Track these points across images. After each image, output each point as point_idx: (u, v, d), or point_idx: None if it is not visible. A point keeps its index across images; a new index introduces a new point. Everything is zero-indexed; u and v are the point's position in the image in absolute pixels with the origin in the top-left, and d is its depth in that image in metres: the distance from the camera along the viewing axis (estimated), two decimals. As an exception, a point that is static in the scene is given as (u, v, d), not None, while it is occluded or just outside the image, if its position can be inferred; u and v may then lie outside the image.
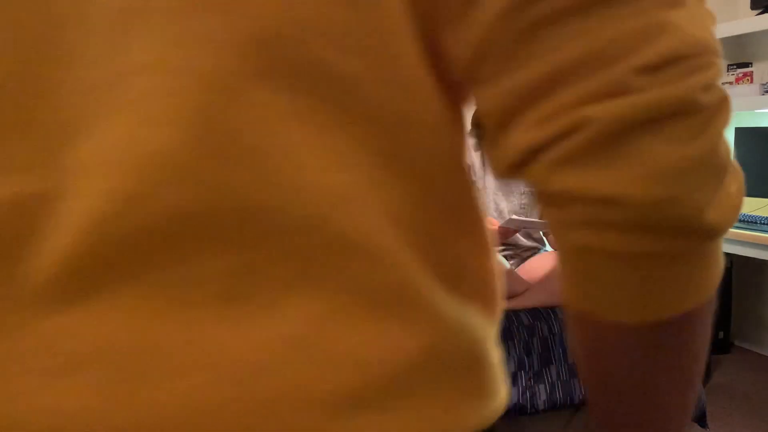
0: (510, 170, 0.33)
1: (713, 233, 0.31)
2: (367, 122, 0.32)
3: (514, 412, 1.72)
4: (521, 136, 0.31)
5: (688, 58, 0.30)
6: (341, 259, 0.32)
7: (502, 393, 0.38)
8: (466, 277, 0.35)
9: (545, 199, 0.33)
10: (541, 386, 1.74)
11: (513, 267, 1.98)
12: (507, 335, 1.73)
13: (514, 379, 1.72)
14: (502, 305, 0.40)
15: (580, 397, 1.77)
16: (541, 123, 0.30)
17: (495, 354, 0.39)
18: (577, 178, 0.30)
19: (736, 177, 0.33)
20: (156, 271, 0.31)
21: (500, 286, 0.40)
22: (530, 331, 1.76)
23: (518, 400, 1.72)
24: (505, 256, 2.06)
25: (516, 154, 0.32)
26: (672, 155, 0.29)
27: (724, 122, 0.31)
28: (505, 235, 1.86)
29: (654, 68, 0.29)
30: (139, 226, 0.30)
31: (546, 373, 1.75)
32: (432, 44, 0.33)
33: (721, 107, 0.31)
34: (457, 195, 0.36)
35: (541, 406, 1.73)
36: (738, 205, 0.32)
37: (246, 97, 0.30)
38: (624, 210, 0.30)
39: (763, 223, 3.06)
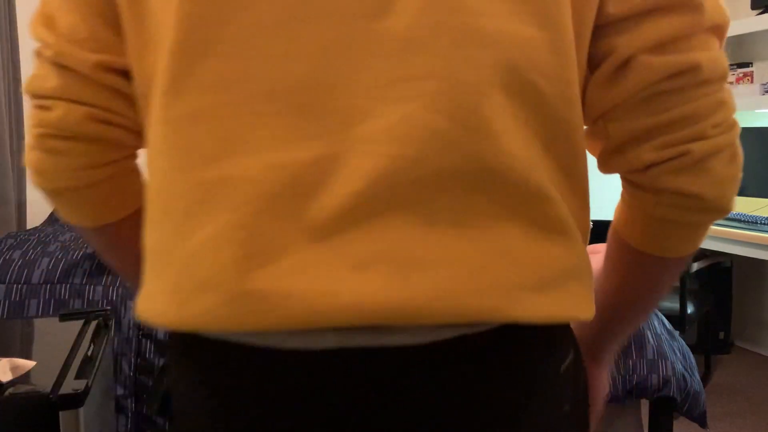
0: (627, 171, 0.56)
1: (728, 212, 0.55)
2: (546, 121, 0.51)
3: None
4: (646, 155, 0.53)
5: (730, 120, 0.54)
6: (533, 203, 0.50)
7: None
8: (580, 223, 0.55)
9: (648, 191, 0.55)
10: (542, 386, 1.74)
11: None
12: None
13: (515, 379, 1.72)
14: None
15: (581, 398, 1.77)
16: (659, 149, 0.52)
17: None
18: (679, 181, 0.53)
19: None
20: (417, 206, 0.47)
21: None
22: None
23: (518, 400, 1.72)
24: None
25: (640, 163, 0.54)
26: (726, 172, 0.53)
27: (741, 149, 0.55)
28: None
29: (718, 125, 0.52)
30: (410, 178, 0.47)
31: (546, 373, 1.76)
32: (584, 89, 0.55)
33: (738, 141, 0.55)
34: (581, 172, 0.55)
35: (541, 407, 1.73)
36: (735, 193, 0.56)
37: (493, 98, 0.48)
38: (701, 201, 0.53)
39: (763, 223, 3.06)
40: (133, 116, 0.57)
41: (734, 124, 0.54)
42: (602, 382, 0.72)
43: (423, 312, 0.46)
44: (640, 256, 0.60)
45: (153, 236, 0.53)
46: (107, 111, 0.56)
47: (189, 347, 0.53)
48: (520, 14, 0.48)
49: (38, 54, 0.57)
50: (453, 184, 0.48)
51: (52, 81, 0.55)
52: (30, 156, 0.59)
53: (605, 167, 0.59)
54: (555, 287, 0.51)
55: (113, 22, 0.54)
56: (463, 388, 0.50)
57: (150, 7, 0.51)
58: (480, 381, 0.50)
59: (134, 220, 0.63)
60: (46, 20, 0.56)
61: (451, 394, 0.49)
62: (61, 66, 0.55)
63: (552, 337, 0.54)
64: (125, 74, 0.56)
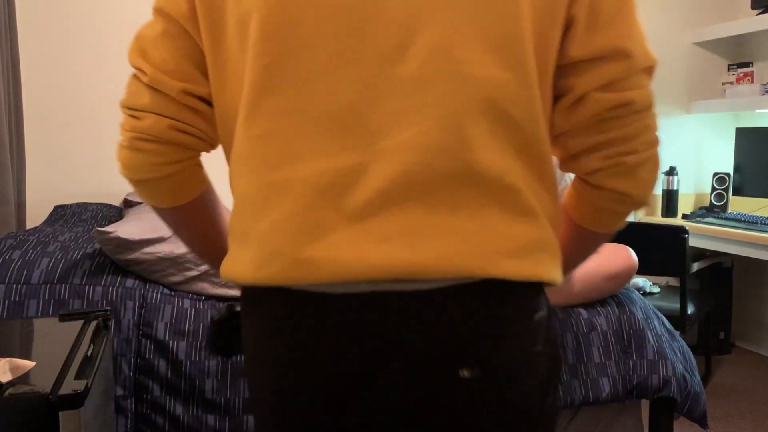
0: (579, 173, 0.78)
1: (646, 205, 0.80)
2: (516, 136, 0.70)
3: (515, 412, 1.72)
4: (593, 163, 0.75)
5: (653, 138, 0.76)
6: (508, 194, 0.69)
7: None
8: (546, 209, 0.73)
9: (592, 187, 0.77)
10: (542, 387, 1.74)
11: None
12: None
13: (515, 379, 1.72)
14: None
15: (581, 398, 1.77)
16: (603, 159, 0.74)
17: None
18: (615, 183, 0.75)
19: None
20: (423, 197, 0.67)
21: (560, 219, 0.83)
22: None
23: (519, 400, 1.72)
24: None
25: (589, 168, 0.75)
26: (648, 177, 0.75)
27: (659, 158, 0.77)
28: None
29: (645, 143, 0.75)
30: (418, 178, 0.67)
31: (546, 373, 1.76)
32: (549, 113, 0.75)
33: (658, 153, 0.77)
34: (547, 171, 0.73)
35: (541, 407, 1.73)
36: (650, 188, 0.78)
37: (476, 122, 0.68)
38: (629, 197, 0.76)
39: (763, 223, 3.06)
40: (204, 127, 0.79)
41: (656, 141, 0.75)
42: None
43: (426, 270, 0.67)
44: (580, 229, 0.85)
45: (236, 221, 0.74)
46: (185, 123, 0.77)
47: (260, 299, 0.73)
48: (496, 62, 0.69)
49: (135, 77, 0.77)
50: (449, 181, 0.68)
51: (145, 98, 0.76)
52: (121, 153, 0.80)
53: (564, 168, 0.80)
54: (524, 254, 0.70)
55: (198, 63, 0.76)
56: (454, 321, 0.69)
57: (230, 58, 0.73)
58: (466, 316, 0.69)
59: (198, 203, 0.86)
60: (141, 53, 0.77)
61: (445, 324, 0.68)
62: (153, 89, 0.76)
63: (525, 293, 0.72)
64: (203, 99, 0.77)
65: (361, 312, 0.69)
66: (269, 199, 0.70)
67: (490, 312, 0.69)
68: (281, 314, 0.71)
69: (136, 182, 0.82)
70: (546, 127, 0.73)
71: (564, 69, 0.73)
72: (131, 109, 0.77)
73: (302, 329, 0.70)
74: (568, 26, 0.72)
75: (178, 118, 0.76)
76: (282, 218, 0.69)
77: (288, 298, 0.70)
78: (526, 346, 0.72)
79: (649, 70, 0.73)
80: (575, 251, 0.87)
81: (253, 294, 0.74)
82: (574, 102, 0.73)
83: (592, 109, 0.72)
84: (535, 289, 0.73)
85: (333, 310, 0.69)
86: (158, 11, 0.77)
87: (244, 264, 0.71)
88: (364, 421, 0.70)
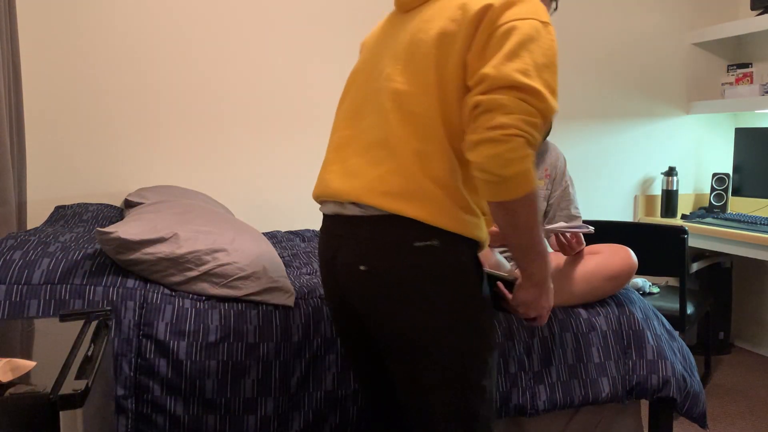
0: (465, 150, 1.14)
1: (498, 176, 1.08)
2: (419, 124, 1.19)
3: (514, 412, 1.72)
4: (466, 144, 1.13)
5: (491, 125, 1.13)
6: (400, 159, 1.18)
7: (473, 230, 1.22)
8: (432, 174, 1.18)
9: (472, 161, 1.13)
10: (541, 387, 1.74)
11: (513, 268, 1.98)
12: (507, 335, 1.73)
13: (515, 379, 1.72)
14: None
15: (580, 398, 1.77)
16: (468, 139, 1.12)
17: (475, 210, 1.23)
18: (472, 156, 1.10)
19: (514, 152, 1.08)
20: (366, 154, 1.23)
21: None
22: (530, 332, 1.76)
23: (518, 400, 1.72)
24: (506, 257, 2.06)
25: (465, 145, 1.13)
26: (489, 152, 1.07)
27: (503, 140, 1.09)
28: None
29: (490, 129, 1.11)
30: (367, 143, 1.24)
31: (546, 373, 1.76)
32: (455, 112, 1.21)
33: (499, 135, 1.09)
34: (439, 148, 1.18)
35: (541, 407, 1.73)
36: (507, 166, 1.07)
37: (393, 115, 1.21)
38: (480, 166, 1.09)
39: (763, 224, 3.06)
40: None
41: (498, 126, 1.07)
42: (527, 289, 1.25)
43: (341, 195, 1.22)
44: (489, 203, 1.15)
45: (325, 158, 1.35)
46: None
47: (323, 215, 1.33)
48: (408, 81, 1.20)
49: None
50: (376, 146, 1.21)
51: None
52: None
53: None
54: (395, 196, 1.17)
55: None
56: (360, 237, 1.21)
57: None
58: (367, 235, 1.20)
59: None
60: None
61: (357, 238, 1.21)
62: None
63: (404, 224, 1.17)
64: None
65: (329, 225, 1.29)
66: (329, 150, 1.34)
67: (380, 233, 1.19)
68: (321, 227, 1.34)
69: None
70: (445, 119, 1.17)
71: (468, 89, 1.17)
72: None
73: (320, 235, 1.34)
74: (465, 66, 1.16)
75: None
76: (326, 159, 1.33)
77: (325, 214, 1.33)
78: (401, 258, 1.17)
79: (505, 87, 1.09)
80: (500, 223, 1.16)
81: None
82: (470, 110, 1.12)
83: (465, 109, 1.14)
84: (411, 223, 1.16)
85: (324, 224, 1.32)
86: None
87: (316, 185, 1.34)
88: (334, 282, 1.30)
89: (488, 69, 1.10)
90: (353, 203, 1.21)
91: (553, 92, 1.13)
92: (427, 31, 1.19)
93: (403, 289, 1.17)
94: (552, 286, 1.28)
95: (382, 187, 1.16)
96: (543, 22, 1.15)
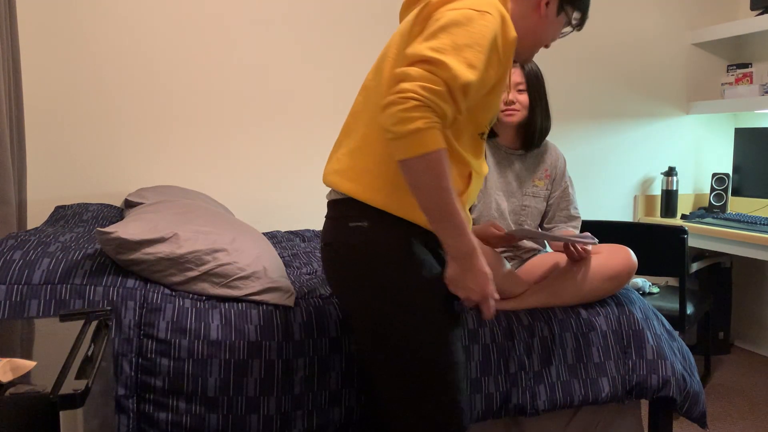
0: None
1: (395, 135, 1.17)
2: (373, 113, 1.43)
3: (514, 412, 1.72)
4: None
5: (397, 91, 1.23)
6: (361, 148, 1.38)
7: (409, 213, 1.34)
8: (370, 149, 1.41)
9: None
10: (541, 387, 1.74)
11: (513, 268, 1.98)
12: (507, 335, 1.73)
13: (515, 379, 1.72)
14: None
15: (580, 398, 1.77)
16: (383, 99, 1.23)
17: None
18: (380, 117, 1.20)
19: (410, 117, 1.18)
20: (346, 146, 1.42)
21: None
22: (530, 332, 1.76)
23: (518, 400, 1.72)
24: (506, 257, 2.06)
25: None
26: (390, 113, 1.17)
27: (403, 105, 1.18)
28: (509, 241, 1.88)
29: (396, 93, 1.20)
30: (349, 135, 1.44)
31: (546, 373, 1.76)
32: None
33: (402, 101, 1.19)
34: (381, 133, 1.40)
35: (541, 407, 1.73)
36: (402, 126, 1.17)
37: (363, 115, 1.43)
38: (384, 126, 1.19)
39: (762, 224, 3.06)
40: None
41: (400, 91, 1.16)
42: (449, 264, 1.28)
43: (327, 183, 1.41)
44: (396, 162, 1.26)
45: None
46: None
47: None
48: (375, 78, 1.41)
49: None
50: (344, 134, 1.44)
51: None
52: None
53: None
54: (343, 174, 1.35)
55: None
56: (328, 216, 1.41)
57: None
58: (330, 215, 1.40)
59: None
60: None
61: (328, 218, 1.41)
62: None
63: (347, 204, 1.35)
64: None
65: (328, 210, 1.43)
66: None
67: (330, 212, 1.40)
68: None
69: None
70: None
71: None
72: None
73: None
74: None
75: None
76: (335, 145, 1.47)
77: None
78: (341, 237, 1.34)
79: (416, 61, 1.19)
80: (406, 183, 1.26)
81: None
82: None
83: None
84: (348, 202, 1.34)
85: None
86: None
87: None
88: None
89: (408, 49, 1.22)
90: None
91: (472, 67, 1.19)
92: (395, 35, 1.39)
93: (345, 270, 1.32)
94: (486, 270, 1.28)
95: (335, 166, 1.38)
96: (479, 11, 1.22)
